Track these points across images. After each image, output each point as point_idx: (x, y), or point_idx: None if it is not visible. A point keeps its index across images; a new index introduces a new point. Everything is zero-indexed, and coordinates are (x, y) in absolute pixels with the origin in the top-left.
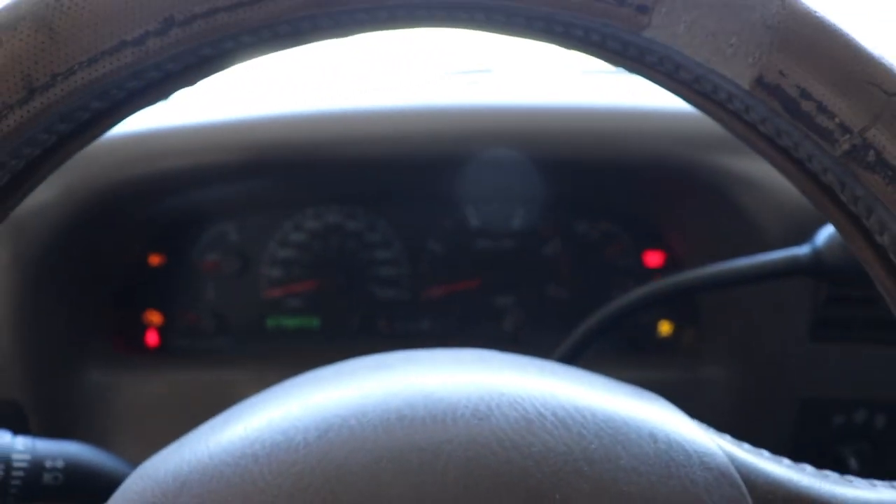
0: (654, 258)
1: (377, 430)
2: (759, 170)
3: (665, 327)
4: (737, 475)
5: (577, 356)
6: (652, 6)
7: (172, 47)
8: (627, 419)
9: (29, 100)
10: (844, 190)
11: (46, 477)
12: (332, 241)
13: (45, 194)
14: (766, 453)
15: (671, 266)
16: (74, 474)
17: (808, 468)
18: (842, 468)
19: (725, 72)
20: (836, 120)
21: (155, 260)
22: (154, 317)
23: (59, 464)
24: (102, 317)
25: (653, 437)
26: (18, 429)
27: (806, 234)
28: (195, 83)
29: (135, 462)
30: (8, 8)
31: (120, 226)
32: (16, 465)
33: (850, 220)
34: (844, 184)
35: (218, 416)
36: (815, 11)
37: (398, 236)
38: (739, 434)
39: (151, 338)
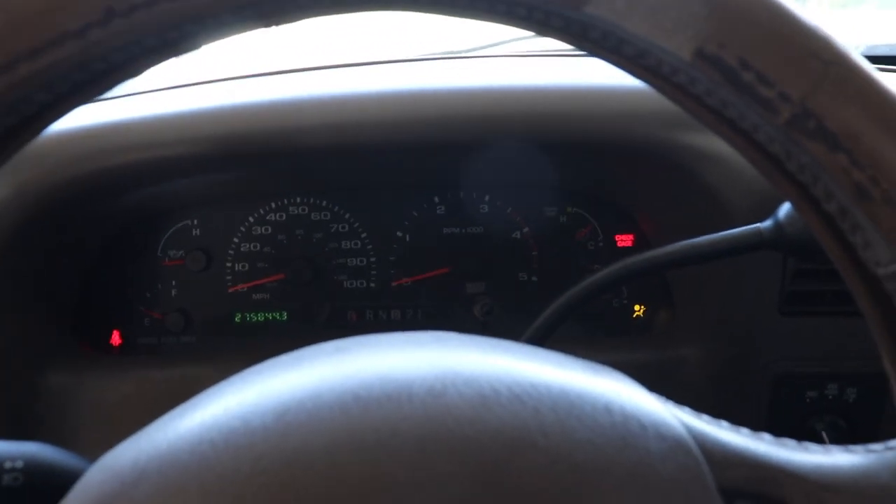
0: (624, 241)
1: (333, 411)
2: (724, 146)
3: (638, 309)
4: (693, 444)
5: (546, 337)
6: None
7: (115, 38)
8: (582, 392)
9: None
10: (790, 159)
11: (6, 478)
12: (298, 233)
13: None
14: (725, 423)
15: (642, 248)
16: (35, 474)
17: (767, 436)
18: (816, 441)
19: (666, 45)
20: (777, 89)
21: (116, 257)
22: (117, 316)
23: (19, 464)
24: (64, 317)
25: (608, 409)
26: None
27: (772, 210)
28: (140, 73)
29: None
30: None
31: (79, 223)
32: None
33: (798, 190)
34: (790, 153)
35: (177, 407)
36: None
37: (364, 226)
38: (716, 412)
39: (115, 337)
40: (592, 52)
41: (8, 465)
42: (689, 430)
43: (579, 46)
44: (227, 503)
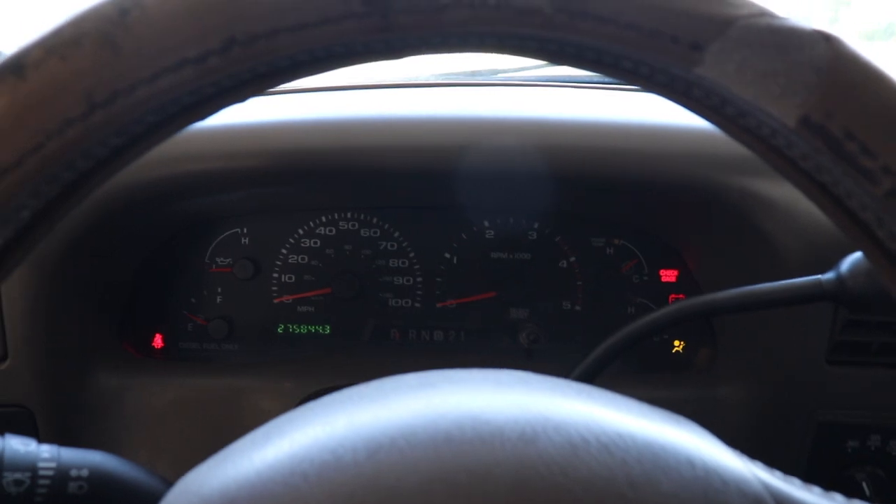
0: (668, 276)
1: (427, 451)
2: (783, 194)
3: (678, 345)
4: (772, 502)
5: (596, 374)
6: (705, 45)
7: (232, 66)
8: (666, 445)
9: (89, 115)
10: (882, 227)
11: (72, 486)
12: (346, 248)
13: None
14: (797, 481)
15: (685, 284)
16: (99, 484)
17: (839, 497)
18: (855, 493)
19: (772, 110)
20: (880, 161)
21: (164, 261)
22: (161, 319)
23: (84, 473)
24: (112, 319)
25: (690, 462)
26: (27, 435)
27: (826, 261)
28: (246, 99)
29: (146, 469)
30: (72, 23)
31: (133, 228)
32: (41, 473)
33: (885, 256)
34: (882, 221)
35: (257, 430)
36: (861, 55)
37: (413, 245)
38: (754, 455)
39: (157, 340)
40: (690, 108)
41: (74, 472)
42: (766, 487)
43: (678, 102)
44: None
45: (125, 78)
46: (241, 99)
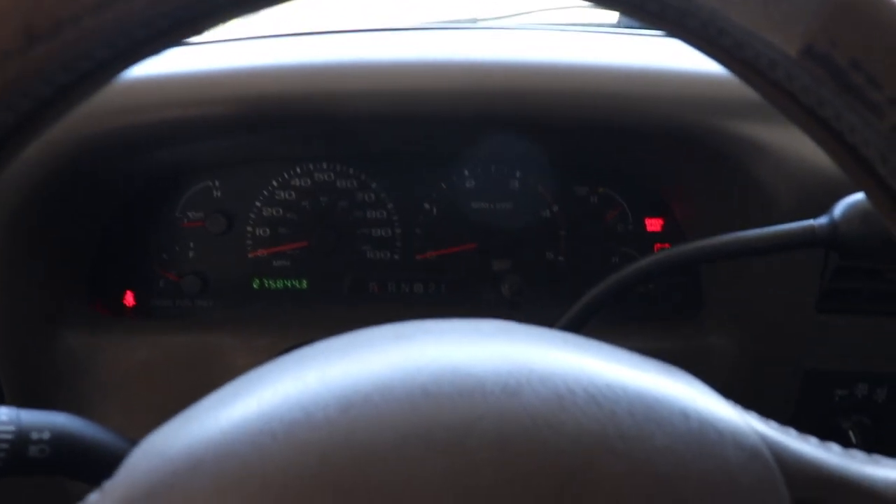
0: (654, 225)
1: (403, 406)
2: (774, 137)
3: (665, 296)
4: (769, 454)
5: (581, 325)
6: None
7: None
8: (659, 396)
9: (29, 49)
10: (885, 163)
11: (32, 449)
12: (322, 199)
13: None
14: (793, 431)
15: (671, 233)
16: (61, 446)
17: (835, 447)
18: (841, 441)
19: (773, 39)
20: (886, 93)
21: (133, 216)
22: (132, 276)
23: (46, 435)
24: (79, 276)
25: (685, 414)
26: None
27: (819, 208)
28: (200, 33)
29: (117, 431)
30: None
31: (99, 180)
32: (0, 437)
33: (886, 194)
34: (886, 157)
35: (224, 387)
36: None
37: (391, 196)
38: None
39: (128, 298)
40: (683, 39)
41: (35, 435)
42: (763, 438)
43: (669, 32)
44: (291, 500)
45: (68, 7)
46: (196, 33)
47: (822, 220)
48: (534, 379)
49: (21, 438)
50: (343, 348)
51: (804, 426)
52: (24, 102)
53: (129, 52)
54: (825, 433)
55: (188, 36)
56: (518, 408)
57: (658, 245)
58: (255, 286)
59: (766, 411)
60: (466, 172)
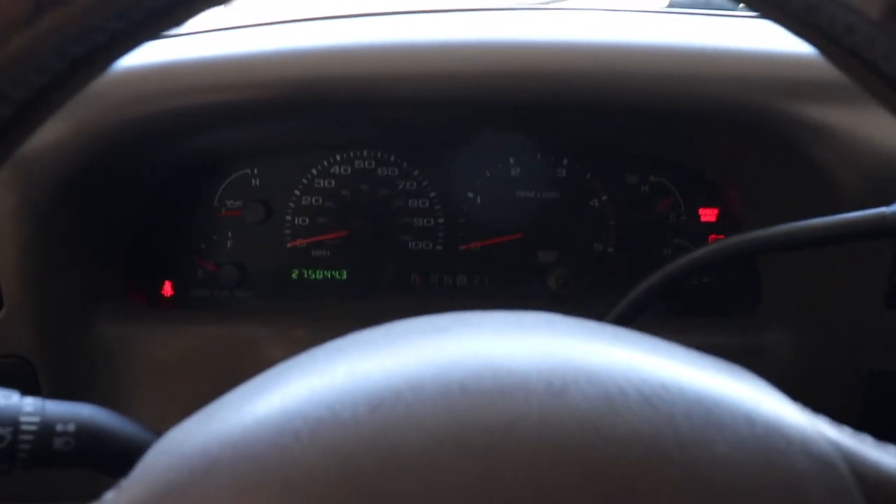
0: (708, 216)
1: (437, 406)
2: (840, 119)
3: (720, 289)
4: (843, 464)
5: (631, 320)
6: None
7: None
8: (720, 399)
9: (37, 18)
10: None
11: (57, 442)
12: (363, 188)
13: (55, 132)
14: (869, 439)
15: (726, 224)
16: (87, 439)
17: None
18: None
19: (851, 0)
20: None
21: (171, 205)
22: (170, 266)
23: (71, 428)
24: (116, 265)
25: (749, 419)
26: (28, 387)
27: (889, 197)
28: (224, 4)
29: (151, 423)
30: None
31: (137, 166)
32: (24, 428)
33: None
34: None
35: (249, 382)
36: None
37: (434, 185)
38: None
39: (167, 288)
40: (746, 3)
41: (59, 427)
42: (836, 446)
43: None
44: None
45: None
46: (219, 3)
47: (894, 208)
48: (581, 377)
49: (46, 430)
50: (376, 341)
51: (870, 433)
52: (38, 77)
53: (145, 24)
54: (893, 441)
55: (206, 7)
56: (563, 409)
57: (712, 236)
58: (293, 277)
59: (826, 415)
60: (512, 160)
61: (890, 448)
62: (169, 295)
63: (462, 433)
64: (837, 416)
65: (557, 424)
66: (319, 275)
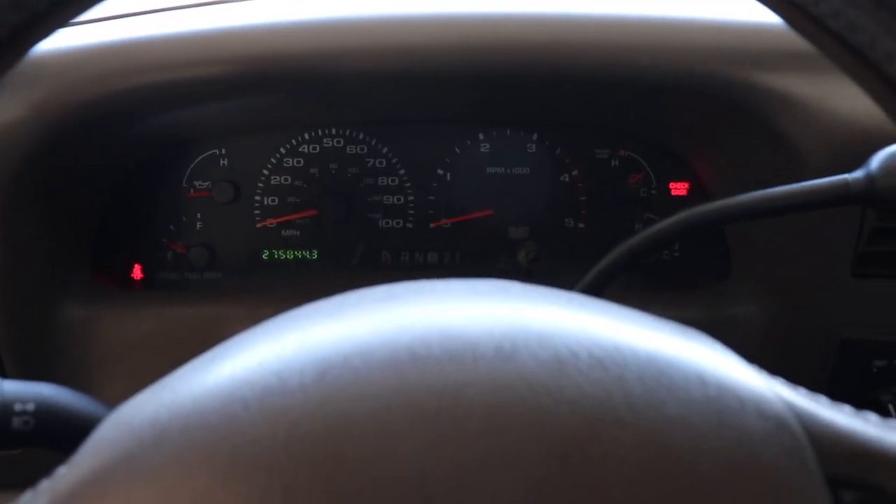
0: (679, 189)
1: (385, 370)
2: (803, 90)
3: (689, 261)
4: (797, 425)
5: (600, 291)
6: None
7: None
8: (672, 360)
9: None
10: None
11: (16, 421)
12: (332, 167)
13: (15, 111)
14: (824, 399)
15: (697, 198)
16: (47, 419)
17: (873, 417)
18: (880, 414)
19: None
20: None
21: (139, 187)
22: (139, 249)
23: (30, 407)
24: (82, 247)
25: (702, 380)
26: None
27: (853, 165)
28: None
29: (118, 405)
30: None
31: (100, 147)
32: None
33: None
34: None
35: (202, 355)
36: None
37: (403, 162)
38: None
39: (136, 271)
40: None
41: (18, 407)
42: (790, 406)
43: None
44: (260, 474)
45: None
46: None
47: (857, 174)
48: (532, 340)
49: (4, 410)
50: (330, 310)
51: (839, 399)
52: (15, 14)
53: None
54: (862, 407)
55: None
56: (513, 372)
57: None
58: (264, 257)
59: (798, 384)
60: (481, 136)
61: (844, 407)
62: (139, 278)
63: (410, 398)
64: (810, 384)
65: (507, 387)
66: (290, 255)
